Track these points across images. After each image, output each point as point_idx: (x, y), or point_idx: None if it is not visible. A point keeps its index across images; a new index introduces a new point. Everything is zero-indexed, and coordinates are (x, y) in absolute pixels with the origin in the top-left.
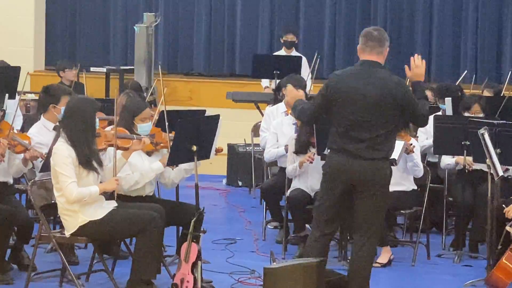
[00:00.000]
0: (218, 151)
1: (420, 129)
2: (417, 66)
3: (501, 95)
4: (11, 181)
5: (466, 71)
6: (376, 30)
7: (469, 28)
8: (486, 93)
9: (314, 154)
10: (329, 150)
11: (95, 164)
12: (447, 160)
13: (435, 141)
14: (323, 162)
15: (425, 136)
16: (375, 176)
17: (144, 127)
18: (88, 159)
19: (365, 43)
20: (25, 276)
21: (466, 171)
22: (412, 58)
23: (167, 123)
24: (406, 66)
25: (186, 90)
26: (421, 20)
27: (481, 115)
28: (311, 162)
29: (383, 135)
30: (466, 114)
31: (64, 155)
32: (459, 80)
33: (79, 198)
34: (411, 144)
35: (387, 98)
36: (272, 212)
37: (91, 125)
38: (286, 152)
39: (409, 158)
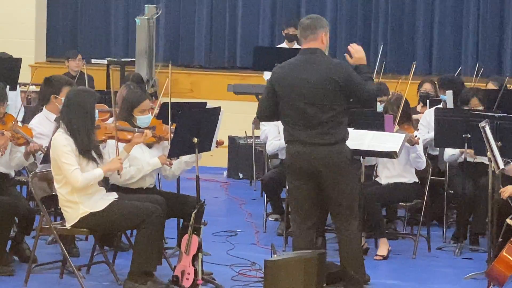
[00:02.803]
0: (219, 144)
1: (421, 122)
2: (356, 51)
3: (504, 87)
4: (12, 173)
5: (460, 68)
6: (308, 18)
7: (470, 21)
8: (491, 86)
9: None
10: (285, 143)
11: (94, 155)
12: (451, 151)
13: (436, 134)
14: None
15: (427, 129)
16: (332, 161)
17: (143, 119)
18: (87, 148)
19: (300, 33)
20: (26, 267)
21: (473, 160)
22: (349, 46)
23: (170, 115)
24: (346, 55)
25: (187, 82)
26: (422, 13)
27: (480, 108)
28: None
29: (332, 120)
30: (465, 107)
31: (62, 144)
32: (456, 73)
33: (86, 183)
34: (416, 136)
35: (329, 82)
36: (273, 204)
37: (90, 116)
38: None
39: (413, 149)
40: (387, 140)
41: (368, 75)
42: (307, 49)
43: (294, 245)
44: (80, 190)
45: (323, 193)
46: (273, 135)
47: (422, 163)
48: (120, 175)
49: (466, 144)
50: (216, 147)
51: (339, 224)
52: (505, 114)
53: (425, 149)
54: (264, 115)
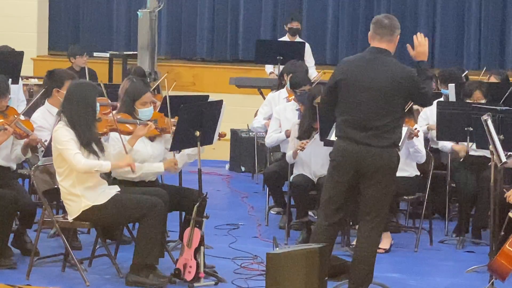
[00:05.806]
0: (221, 136)
1: (421, 114)
2: (420, 44)
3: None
4: (14, 166)
5: (464, 60)
6: (387, 18)
7: (472, 15)
8: (493, 79)
9: (307, 142)
10: (336, 138)
11: (95, 148)
12: (445, 143)
13: (438, 127)
14: (326, 147)
15: (426, 122)
16: (382, 163)
17: (145, 111)
18: (88, 141)
19: (375, 30)
20: (28, 260)
21: (465, 155)
22: (415, 36)
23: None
24: (408, 45)
25: (189, 76)
26: (424, 7)
27: (483, 101)
28: (301, 150)
29: (390, 124)
30: (468, 100)
31: (63, 133)
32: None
33: (88, 166)
34: (415, 129)
35: (395, 88)
36: (275, 197)
37: (92, 109)
38: (287, 137)
39: (410, 144)
40: None
41: (428, 74)
42: (378, 48)
43: (313, 239)
44: (82, 182)
45: (359, 192)
46: (273, 128)
47: (422, 157)
48: (134, 172)
49: (468, 138)
50: (218, 139)
51: (363, 226)
52: (508, 108)
53: (427, 142)
54: (325, 107)
